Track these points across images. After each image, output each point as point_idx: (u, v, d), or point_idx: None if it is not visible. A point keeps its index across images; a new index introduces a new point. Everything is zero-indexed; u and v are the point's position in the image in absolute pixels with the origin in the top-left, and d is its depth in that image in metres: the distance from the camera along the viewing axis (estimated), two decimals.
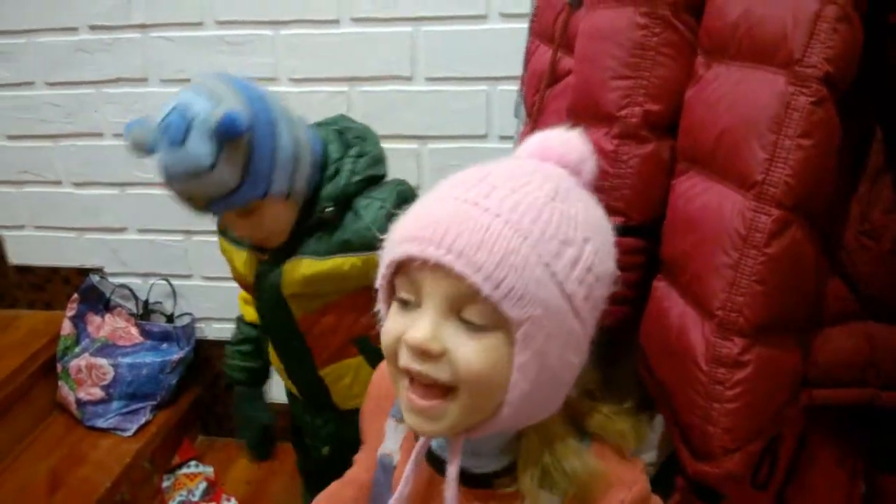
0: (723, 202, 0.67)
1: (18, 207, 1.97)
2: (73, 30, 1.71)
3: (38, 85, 1.79)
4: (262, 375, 1.45)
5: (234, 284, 1.89)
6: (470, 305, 0.57)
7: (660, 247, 0.77)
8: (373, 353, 1.19)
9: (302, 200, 1.08)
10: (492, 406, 0.59)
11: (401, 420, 0.72)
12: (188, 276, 1.95)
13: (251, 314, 1.36)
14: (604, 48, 0.75)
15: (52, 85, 1.79)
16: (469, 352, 0.57)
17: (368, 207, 1.10)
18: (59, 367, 1.92)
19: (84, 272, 1.98)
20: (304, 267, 1.11)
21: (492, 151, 1.60)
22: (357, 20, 1.56)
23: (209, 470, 1.97)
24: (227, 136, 0.92)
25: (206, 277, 1.94)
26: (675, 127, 0.74)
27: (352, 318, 1.18)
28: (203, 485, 1.91)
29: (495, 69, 1.52)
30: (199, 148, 0.92)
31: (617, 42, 0.73)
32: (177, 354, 1.90)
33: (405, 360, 0.59)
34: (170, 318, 1.97)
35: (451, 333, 0.58)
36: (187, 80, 1.65)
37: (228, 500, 1.87)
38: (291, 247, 1.12)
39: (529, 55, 1.04)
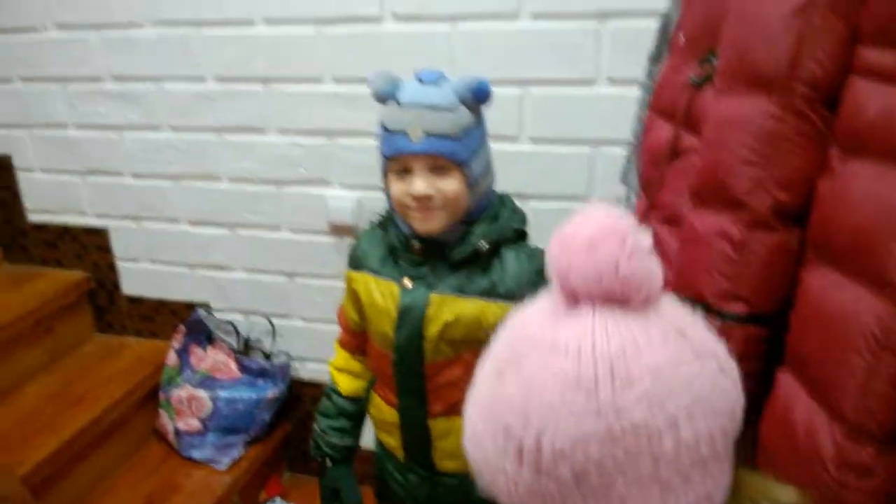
0: (857, 302, 0.65)
1: (136, 241, 2.09)
2: (201, 79, 1.82)
3: (163, 128, 1.92)
4: (355, 453, 1.48)
5: (331, 327, 1.94)
6: None
7: (783, 335, 0.76)
8: None
9: (469, 208, 1.17)
10: None
11: None
12: (288, 316, 2.01)
13: (347, 386, 1.41)
14: (734, 135, 0.75)
15: (176, 129, 1.90)
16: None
17: (516, 259, 1.18)
18: (161, 395, 2.00)
19: (191, 306, 2.08)
20: (449, 306, 1.17)
21: None
22: None
23: None
24: (476, 95, 1.12)
25: (304, 319, 2.00)
26: (805, 216, 0.73)
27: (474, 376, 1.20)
28: None
29: (600, 132, 1.54)
30: (449, 91, 1.11)
31: (748, 130, 0.73)
32: (272, 391, 1.96)
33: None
34: (267, 356, 2.04)
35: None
36: (302, 132, 1.76)
37: None
38: (436, 276, 1.19)
39: (646, 129, 1.05)
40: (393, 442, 1.35)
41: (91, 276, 2.16)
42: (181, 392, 1.96)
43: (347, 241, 1.85)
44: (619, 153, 1.42)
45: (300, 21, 1.68)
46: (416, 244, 1.19)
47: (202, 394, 1.94)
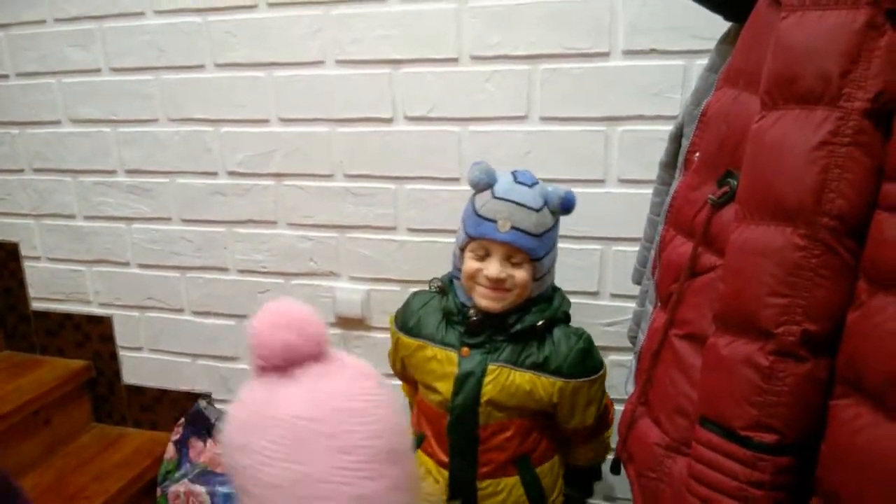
0: (893, 440, 0.64)
1: (139, 330, 2.08)
2: (213, 174, 1.85)
3: (173, 220, 1.93)
4: None
5: None
6: None
7: (814, 468, 0.74)
8: (529, 474, 1.36)
9: (531, 295, 1.31)
10: None
11: None
12: None
13: None
14: (759, 264, 0.75)
15: (187, 222, 1.92)
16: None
17: (565, 339, 1.32)
18: (158, 491, 1.95)
19: (192, 396, 2.05)
20: (505, 376, 1.29)
21: (604, 308, 1.62)
22: None
23: None
24: (563, 206, 1.29)
25: None
26: (835, 345, 0.72)
27: (521, 439, 1.34)
28: None
29: (610, 230, 1.57)
30: (538, 194, 1.27)
31: (773, 261, 0.73)
32: None
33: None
34: None
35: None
36: (312, 226, 1.78)
37: None
38: (493, 346, 1.31)
39: (664, 244, 1.06)
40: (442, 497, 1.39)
41: (92, 365, 2.14)
42: (179, 487, 1.91)
43: (355, 334, 1.84)
44: (631, 248, 1.45)
45: (315, 121, 1.72)
46: (473, 315, 1.31)
47: (200, 489, 1.90)
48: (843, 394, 0.71)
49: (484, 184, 1.28)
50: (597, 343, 1.61)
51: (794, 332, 0.72)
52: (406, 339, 1.40)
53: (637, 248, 1.35)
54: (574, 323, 1.57)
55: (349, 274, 1.81)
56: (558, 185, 1.30)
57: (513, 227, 1.24)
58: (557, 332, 1.33)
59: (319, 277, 1.84)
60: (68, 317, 2.14)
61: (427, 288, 1.44)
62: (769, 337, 0.73)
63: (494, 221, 1.25)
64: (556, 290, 1.40)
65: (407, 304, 1.44)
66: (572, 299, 1.61)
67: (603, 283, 1.61)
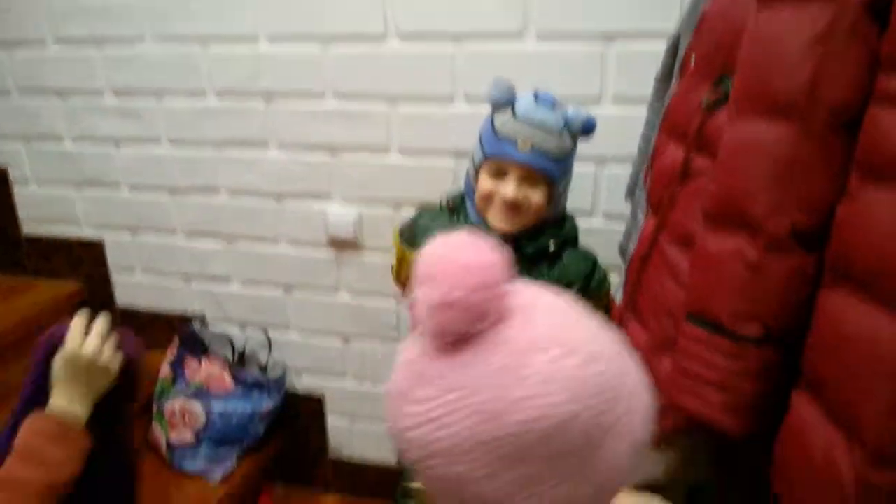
0: (880, 328, 0.65)
1: (131, 253, 2.08)
2: (202, 94, 1.82)
3: (162, 142, 1.92)
4: None
5: (327, 341, 1.96)
6: None
7: (797, 357, 0.76)
8: None
9: (545, 217, 1.31)
10: None
11: None
12: (284, 329, 2.01)
13: None
14: (751, 160, 0.75)
15: (176, 142, 1.90)
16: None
17: (576, 259, 1.34)
18: (154, 407, 1.99)
19: (186, 318, 2.07)
20: None
21: (597, 231, 1.63)
22: (470, 98, 1.63)
23: None
24: (584, 128, 1.28)
25: (301, 332, 2.00)
26: (823, 239, 0.73)
27: None
28: None
29: (604, 149, 1.56)
30: (560, 116, 1.25)
31: (766, 155, 0.74)
32: (267, 405, 1.96)
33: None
34: (263, 369, 2.03)
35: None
36: (304, 147, 1.77)
37: None
38: None
39: (657, 152, 1.07)
40: None
41: (85, 288, 2.15)
42: (174, 404, 1.94)
43: (346, 256, 1.86)
44: (624, 170, 1.45)
45: (305, 38, 1.69)
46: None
47: (196, 406, 1.93)
48: (832, 285, 0.73)
49: (504, 102, 1.25)
50: None
51: (785, 224, 0.73)
52: (408, 253, 1.39)
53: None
54: None
55: (341, 195, 1.81)
56: (580, 108, 1.28)
57: (533, 148, 1.22)
58: (567, 255, 1.34)
59: (311, 199, 1.84)
60: (60, 241, 2.13)
61: (436, 204, 1.40)
62: (759, 230, 0.74)
63: (514, 141, 1.23)
64: (567, 215, 1.39)
65: (414, 220, 1.41)
66: None
67: (596, 203, 1.62)
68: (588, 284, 1.33)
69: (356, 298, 1.90)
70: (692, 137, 0.93)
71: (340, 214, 1.81)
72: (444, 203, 1.39)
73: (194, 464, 1.93)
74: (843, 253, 0.71)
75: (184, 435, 1.93)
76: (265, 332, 2.02)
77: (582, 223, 1.62)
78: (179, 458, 1.94)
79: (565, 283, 1.30)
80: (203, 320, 2.07)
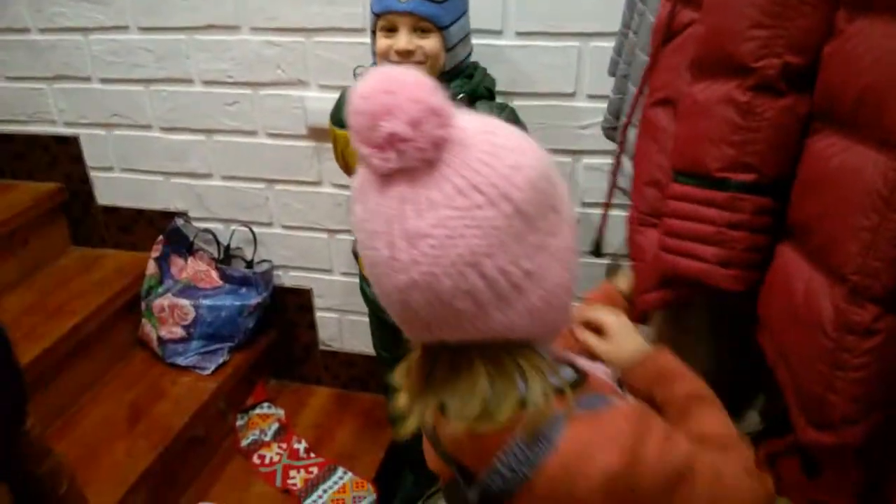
0: (863, 162, 0.64)
1: (108, 150, 2.03)
2: None
3: (131, 30, 1.83)
4: None
5: (312, 234, 1.94)
6: None
7: (787, 209, 0.75)
8: None
9: (444, 69, 1.35)
10: None
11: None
12: (269, 225, 1.99)
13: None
14: None
15: (145, 30, 1.82)
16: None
17: (488, 109, 1.36)
18: (142, 305, 1.99)
19: (169, 215, 2.04)
20: None
21: (580, 110, 1.58)
22: None
23: (281, 412, 2.04)
24: None
25: (285, 226, 1.98)
26: (813, 82, 0.71)
27: None
28: (275, 426, 1.97)
29: (588, 25, 1.49)
30: None
31: None
32: (254, 299, 1.96)
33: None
34: (249, 264, 2.02)
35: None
36: (278, 29, 1.69)
37: (299, 441, 1.93)
38: None
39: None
40: None
41: (64, 187, 2.11)
42: (163, 301, 1.94)
43: (327, 146, 1.80)
44: (608, 46, 1.38)
45: None
46: None
47: (184, 302, 1.93)
48: (818, 129, 0.71)
49: None
50: (570, 146, 1.61)
51: (775, 64, 0.71)
52: (340, 132, 1.46)
53: None
54: (547, 126, 1.54)
55: (318, 82, 1.75)
56: None
57: None
58: (481, 107, 1.37)
59: (288, 87, 1.77)
60: (34, 138, 2.08)
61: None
62: (749, 72, 0.72)
63: None
64: (478, 68, 1.44)
65: (339, 99, 1.49)
66: (546, 101, 1.58)
67: (580, 83, 1.56)
68: None
69: (339, 190, 1.87)
70: None
71: (319, 101, 1.75)
72: (357, 72, 1.46)
73: (186, 358, 1.95)
74: (828, 93, 0.69)
75: (174, 330, 1.94)
76: (249, 227, 1.99)
77: (564, 105, 1.58)
78: (171, 352, 1.95)
79: None
80: (186, 217, 2.04)
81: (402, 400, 0.71)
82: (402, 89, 0.56)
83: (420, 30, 1.31)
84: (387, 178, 0.58)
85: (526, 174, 0.59)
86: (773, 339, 0.77)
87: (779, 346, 0.76)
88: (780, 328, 0.75)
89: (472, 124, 0.60)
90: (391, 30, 1.33)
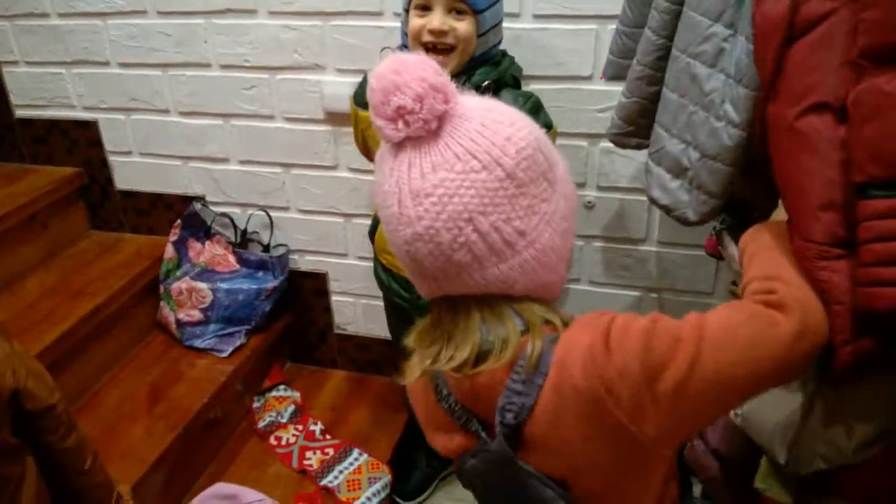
0: None
1: (127, 134, 2.05)
2: None
3: (150, 14, 1.84)
4: None
5: (328, 218, 1.95)
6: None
7: None
8: None
9: (475, 53, 1.35)
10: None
11: None
12: (285, 209, 2.00)
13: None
14: None
15: (164, 14, 1.83)
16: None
17: (514, 100, 1.34)
18: (161, 288, 2.01)
19: (187, 199, 2.06)
20: None
21: (597, 94, 1.57)
22: None
23: (297, 395, 2.06)
24: None
25: (301, 211, 1.99)
26: None
27: None
28: (291, 408, 1.99)
29: (606, 6, 1.49)
30: None
31: None
32: (271, 283, 1.97)
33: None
34: (266, 248, 2.03)
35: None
36: (294, 14, 1.70)
37: (315, 423, 1.95)
38: None
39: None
40: None
41: (83, 171, 2.13)
42: (181, 284, 1.96)
43: (344, 130, 1.81)
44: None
45: None
46: None
47: (202, 285, 1.95)
48: None
49: None
50: (587, 130, 1.61)
51: None
52: (364, 113, 1.44)
53: None
54: (565, 109, 1.54)
55: (335, 66, 1.75)
56: None
57: None
58: (506, 95, 1.37)
59: (305, 71, 1.78)
60: (54, 123, 2.10)
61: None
62: None
63: None
64: (504, 54, 1.44)
65: (363, 81, 1.48)
66: (563, 85, 1.58)
67: (597, 67, 1.55)
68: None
69: (356, 174, 1.87)
70: None
71: (336, 85, 1.76)
72: (383, 54, 1.39)
73: (204, 341, 1.97)
74: None
75: (192, 313, 1.96)
76: (266, 211, 2.01)
77: (582, 88, 1.58)
78: (189, 335, 1.97)
79: None
80: (204, 201, 2.05)
81: (410, 355, 0.80)
82: (408, 70, 0.67)
83: (455, 10, 1.31)
84: (398, 145, 0.69)
85: (517, 145, 0.69)
86: None
87: None
88: None
89: (472, 102, 0.71)
90: (426, 8, 1.32)
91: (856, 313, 0.70)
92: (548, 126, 1.39)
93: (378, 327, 2.06)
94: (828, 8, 0.73)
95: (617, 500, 0.76)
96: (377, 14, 1.65)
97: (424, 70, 0.67)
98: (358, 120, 1.50)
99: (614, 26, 1.46)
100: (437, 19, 1.30)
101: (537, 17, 1.55)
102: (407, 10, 1.36)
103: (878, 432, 0.77)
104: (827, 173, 0.73)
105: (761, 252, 0.80)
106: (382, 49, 1.46)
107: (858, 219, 0.68)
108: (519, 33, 1.56)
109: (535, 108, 1.38)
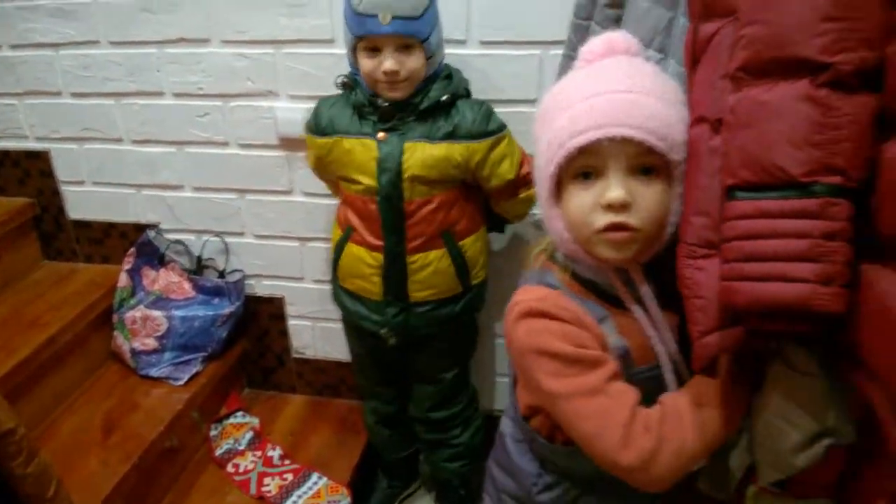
0: None
1: (79, 163, 2.04)
2: None
3: (102, 44, 1.85)
4: None
5: (284, 243, 1.96)
6: (643, 163, 0.84)
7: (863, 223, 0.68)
8: (454, 246, 1.51)
9: (425, 76, 1.42)
10: (658, 233, 0.87)
11: (604, 318, 0.92)
12: (240, 234, 2.01)
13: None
14: None
15: (116, 44, 1.84)
16: (649, 198, 0.85)
17: (470, 108, 1.45)
18: (115, 317, 2.00)
19: (140, 228, 2.05)
20: (421, 150, 1.43)
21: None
22: None
23: (255, 421, 2.05)
24: None
25: (257, 236, 2.00)
26: (879, 80, 0.65)
27: (446, 212, 1.49)
28: (249, 434, 1.99)
29: (548, 33, 1.55)
30: None
31: None
32: (227, 309, 1.97)
33: (603, 218, 0.85)
34: (221, 274, 2.04)
35: (633, 189, 0.84)
36: (247, 42, 1.73)
37: (273, 449, 1.94)
38: (406, 128, 1.44)
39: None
40: (370, 286, 1.56)
41: (35, 202, 2.12)
42: (135, 313, 1.95)
43: (299, 155, 1.84)
44: None
45: None
46: (382, 104, 1.42)
47: (157, 313, 1.94)
48: (892, 133, 0.66)
49: None
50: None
51: (852, 59, 0.64)
52: (320, 140, 1.52)
53: None
54: (515, 132, 1.59)
55: (288, 93, 1.78)
56: None
57: (393, 17, 1.31)
58: (461, 105, 1.46)
59: (259, 98, 1.81)
60: (5, 154, 2.08)
61: (337, 90, 1.52)
62: (821, 68, 0.65)
63: (375, 16, 1.31)
64: (453, 69, 1.50)
65: (316, 110, 1.54)
66: (511, 108, 1.63)
67: (542, 90, 1.60)
68: (486, 127, 1.45)
69: (311, 199, 1.90)
70: (696, 6, 0.84)
71: (289, 111, 1.79)
72: (338, 82, 1.49)
73: (159, 370, 1.96)
74: None
75: (147, 342, 1.95)
76: (221, 237, 2.02)
77: (528, 111, 1.63)
78: (144, 364, 1.96)
79: (464, 130, 1.44)
80: (158, 229, 2.05)
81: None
82: None
83: (403, 47, 1.36)
84: None
85: None
86: (871, 373, 0.70)
87: (882, 379, 0.68)
88: (882, 358, 0.67)
89: None
90: (373, 49, 1.37)
91: (715, 307, 0.76)
92: (501, 127, 1.48)
93: (336, 350, 2.07)
94: (716, 27, 0.80)
95: None
96: (329, 42, 1.69)
97: None
98: (314, 147, 1.55)
99: (556, 51, 1.54)
100: (388, 62, 1.35)
101: (483, 43, 1.61)
102: (353, 50, 1.41)
103: (805, 436, 0.80)
104: (703, 181, 0.80)
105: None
106: (338, 76, 1.49)
107: (724, 219, 0.72)
108: (465, 59, 1.61)
109: (488, 113, 1.47)
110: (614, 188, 0.83)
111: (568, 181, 0.88)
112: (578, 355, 0.86)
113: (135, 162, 1.99)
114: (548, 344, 0.87)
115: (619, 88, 0.84)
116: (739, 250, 0.70)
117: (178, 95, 1.86)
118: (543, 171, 0.89)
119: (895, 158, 0.65)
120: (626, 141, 0.82)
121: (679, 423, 0.85)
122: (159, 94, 1.87)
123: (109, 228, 2.10)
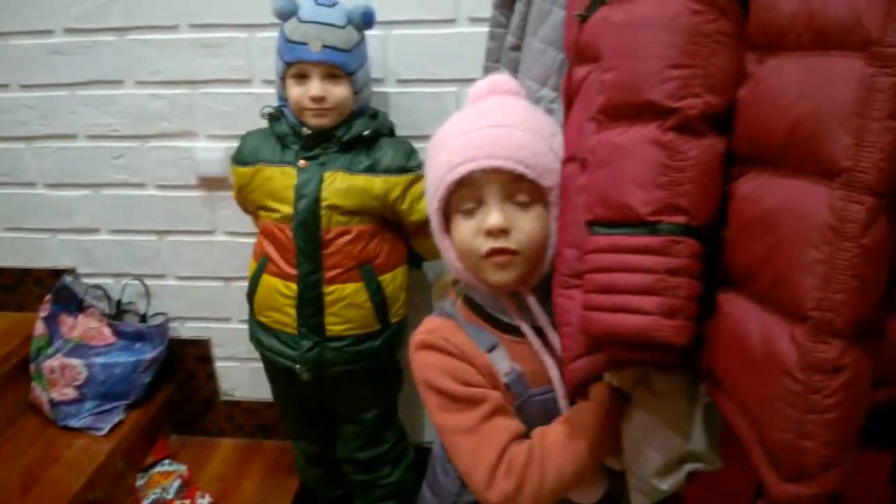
0: (803, 197, 0.62)
1: None
2: (49, 32, 1.72)
3: (12, 87, 1.81)
4: None
5: (207, 283, 1.93)
6: (517, 191, 0.90)
7: (721, 257, 0.72)
8: (372, 281, 1.51)
9: (352, 110, 1.47)
10: (539, 255, 0.92)
11: (494, 346, 0.96)
12: (161, 276, 1.97)
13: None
14: (651, 37, 0.70)
15: (27, 87, 1.80)
16: (526, 223, 0.91)
17: (392, 146, 1.50)
18: (32, 367, 1.92)
19: (57, 273, 1.99)
20: (340, 180, 1.46)
21: None
22: None
23: (183, 468, 1.99)
24: (364, 20, 1.42)
25: (179, 277, 1.96)
26: (727, 123, 0.70)
27: (364, 245, 1.49)
28: (177, 482, 1.93)
29: (464, 71, 1.58)
30: (342, 13, 1.40)
31: (670, 29, 0.68)
32: (150, 354, 1.92)
33: (486, 244, 0.90)
34: (143, 318, 1.98)
35: (510, 215, 0.90)
36: (162, 83, 1.71)
37: (203, 496, 1.89)
38: (327, 158, 1.47)
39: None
40: (284, 318, 1.54)
41: None
42: (53, 362, 1.88)
43: (219, 195, 1.82)
44: None
45: None
46: (306, 132, 1.45)
47: (76, 362, 1.88)
48: (742, 173, 0.70)
49: (288, 12, 1.39)
50: None
51: (697, 104, 0.68)
52: (242, 169, 1.54)
53: None
54: None
55: (206, 132, 1.77)
56: (357, 2, 1.43)
57: (324, 46, 1.37)
58: (383, 142, 1.51)
59: (177, 138, 1.78)
60: None
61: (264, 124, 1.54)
62: (669, 113, 0.69)
63: (306, 44, 1.37)
64: (379, 111, 1.55)
65: (241, 142, 1.57)
66: (428, 144, 1.64)
67: None
68: (406, 163, 1.50)
69: (233, 237, 1.88)
70: (572, 53, 0.90)
71: (208, 151, 1.77)
72: (264, 112, 1.51)
73: (79, 420, 1.89)
74: (749, 135, 0.69)
75: (66, 391, 1.88)
76: (141, 280, 1.97)
77: None
78: (64, 415, 1.89)
79: (383, 165, 1.48)
80: (75, 274, 1.99)
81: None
82: None
83: (330, 76, 1.40)
84: None
85: None
86: (728, 395, 0.73)
87: (737, 401, 0.71)
88: (736, 381, 0.71)
89: None
90: (302, 76, 1.41)
91: (583, 334, 0.78)
92: (421, 165, 1.51)
93: (266, 390, 2.01)
94: (586, 71, 0.85)
95: None
96: (246, 81, 1.69)
97: None
98: (237, 177, 1.57)
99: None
100: (314, 87, 1.39)
101: (401, 81, 1.63)
102: (283, 79, 1.44)
103: (667, 460, 0.82)
104: (573, 216, 0.84)
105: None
106: (263, 108, 1.51)
107: (584, 252, 0.76)
108: (384, 96, 1.63)
109: (409, 151, 1.52)
110: (493, 215, 0.89)
111: (454, 213, 0.94)
112: (458, 393, 0.92)
113: (49, 206, 1.93)
114: (433, 379, 0.94)
115: (492, 123, 0.91)
116: (594, 282, 0.74)
117: (92, 137, 1.82)
118: (430, 206, 0.95)
119: (744, 198, 0.69)
120: (497, 171, 0.88)
121: (543, 461, 0.89)
122: (73, 136, 1.83)
123: (23, 275, 2.03)
